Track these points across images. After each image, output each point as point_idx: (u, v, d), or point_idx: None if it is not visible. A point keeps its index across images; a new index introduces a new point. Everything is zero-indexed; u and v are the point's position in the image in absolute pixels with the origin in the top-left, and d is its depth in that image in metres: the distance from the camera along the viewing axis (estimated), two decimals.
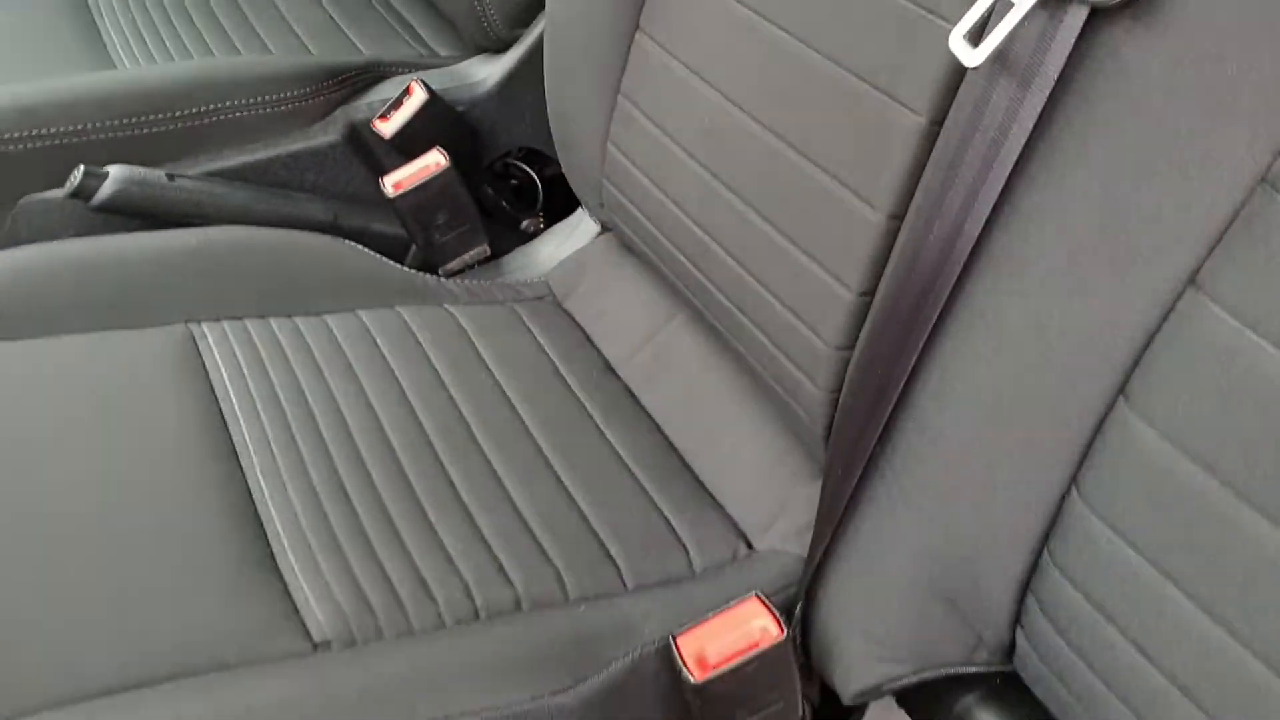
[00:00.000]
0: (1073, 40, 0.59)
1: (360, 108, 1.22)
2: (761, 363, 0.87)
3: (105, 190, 1.07)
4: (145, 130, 1.15)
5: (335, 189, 1.21)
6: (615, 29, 0.96)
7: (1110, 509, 0.61)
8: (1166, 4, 0.57)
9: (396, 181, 1.13)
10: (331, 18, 1.39)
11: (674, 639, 0.74)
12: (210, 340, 0.96)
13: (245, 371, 0.93)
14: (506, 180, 1.31)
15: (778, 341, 0.83)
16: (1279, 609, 0.54)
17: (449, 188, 1.13)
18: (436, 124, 1.20)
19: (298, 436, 0.88)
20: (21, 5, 1.44)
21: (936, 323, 0.67)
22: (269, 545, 0.80)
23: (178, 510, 0.81)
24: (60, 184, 1.10)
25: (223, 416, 0.90)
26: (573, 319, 1.06)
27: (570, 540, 0.84)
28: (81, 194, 1.07)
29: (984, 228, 0.64)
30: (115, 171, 1.08)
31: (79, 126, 1.13)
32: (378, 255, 1.10)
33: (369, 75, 1.24)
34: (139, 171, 1.09)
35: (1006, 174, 0.62)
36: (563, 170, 1.11)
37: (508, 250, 1.20)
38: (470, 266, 1.17)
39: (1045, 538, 0.65)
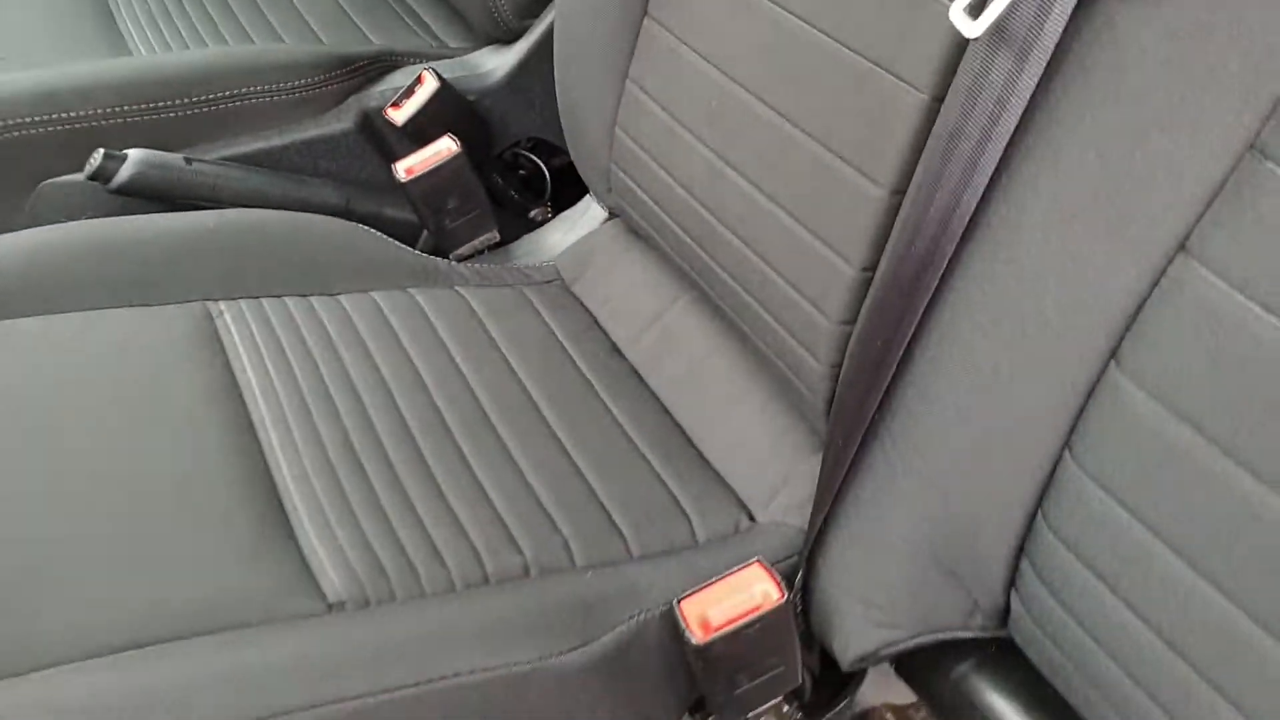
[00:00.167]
0: (1069, 12, 0.60)
1: (373, 96, 1.25)
2: (765, 340, 0.89)
3: (124, 173, 1.09)
4: (163, 115, 1.17)
5: (348, 175, 1.24)
6: (624, 15, 0.98)
7: (1101, 470, 0.63)
8: None
9: (409, 167, 1.15)
10: (343, 9, 1.41)
11: (677, 603, 0.76)
12: (227, 318, 0.98)
13: (261, 348, 0.95)
14: (515, 170, 1.34)
15: (781, 319, 0.85)
16: (1262, 562, 0.56)
17: (460, 173, 1.15)
18: (447, 112, 1.22)
19: (313, 410, 0.90)
20: (43, 6, 1.46)
21: (935, 293, 0.69)
22: (284, 512, 0.82)
23: (196, 477, 0.83)
24: (80, 168, 1.12)
25: (239, 390, 0.92)
26: (580, 302, 1.08)
27: (578, 511, 0.86)
28: (101, 176, 1.09)
29: (981, 199, 0.66)
30: (134, 155, 1.10)
31: (98, 111, 1.15)
32: (390, 239, 1.12)
33: (381, 64, 1.27)
34: (157, 155, 1.11)
35: (1004, 145, 0.64)
36: (571, 157, 1.13)
37: (516, 237, 1.22)
38: (480, 252, 1.19)
39: (1039, 501, 0.67)
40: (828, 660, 0.85)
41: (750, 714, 0.82)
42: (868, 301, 0.77)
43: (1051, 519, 0.66)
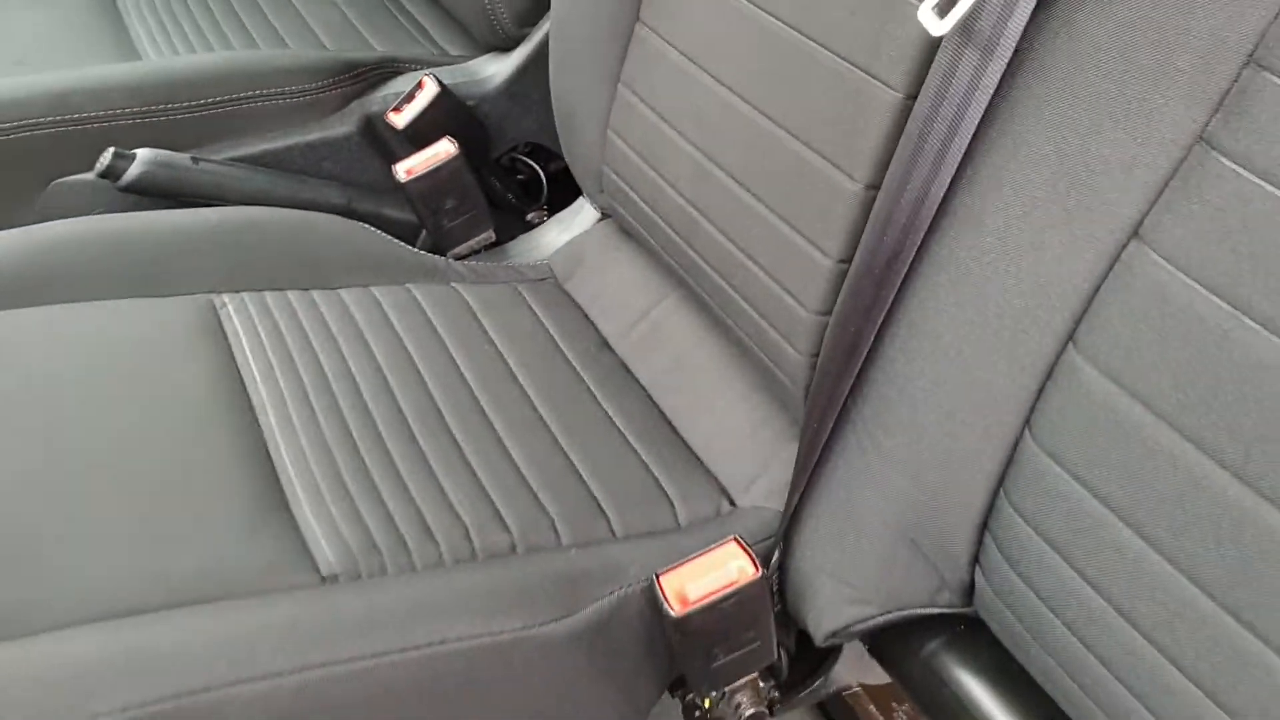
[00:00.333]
0: (1030, 10, 0.64)
1: (375, 100, 1.29)
2: (747, 332, 0.92)
3: (133, 171, 1.13)
4: (172, 117, 1.21)
5: (350, 176, 1.28)
6: (617, 21, 1.02)
7: (1058, 447, 0.66)
8: None
9: (409, 168, 1.19)
10: (348, 17, 1.45)
11: (657, 577, 0.79)
12: (230, 309, 1.02)
13: (263, 337, 0.99)
14: (513, 174, 1.37)
15: (762, 310, 0.89)
16: (1203, 530, 0.59)
17: (458, 175, 1.19)
18: (447, 117, 1.25)
19: (312, 396, 0.94)
20: (54, 6, 1.51)
21: (904, 282, 0.73)
22: (282, 490, 0.86)
23: (197, 456, 0.87)
24: (90, 168, 1.16)
25: (241, 377, 0.95)
26: (572, 299, 1.12)
27: (564, 493, 0.89)
28: (111, 174, 1.13)
29: (948, 190, 0.69)
30: (143, 154, 1.14)
31: (109, 112, 1.19)
32: (390, 238, 1.15)
33: (384, 70, 1.31)
34: (165, 154, 1.15)
35: (969, 138, 0.68)
36: (565, 158, 1.17)
37: (513, 237, 1.26)
38: (476, 251, 1.23)
39: (1001, 478, 0.70)
40: (804, 640, 0.88)
41: (728, 688, 0.85)
42: (843, 292, 0.80)
43: (1012, 495, 0.70)
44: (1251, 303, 0.57)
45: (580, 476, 0.91)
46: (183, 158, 1.16)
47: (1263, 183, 0.57)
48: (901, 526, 0.77)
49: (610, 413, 0.98)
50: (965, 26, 0.67)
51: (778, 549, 0.84)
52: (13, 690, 0.66)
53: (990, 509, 0.72)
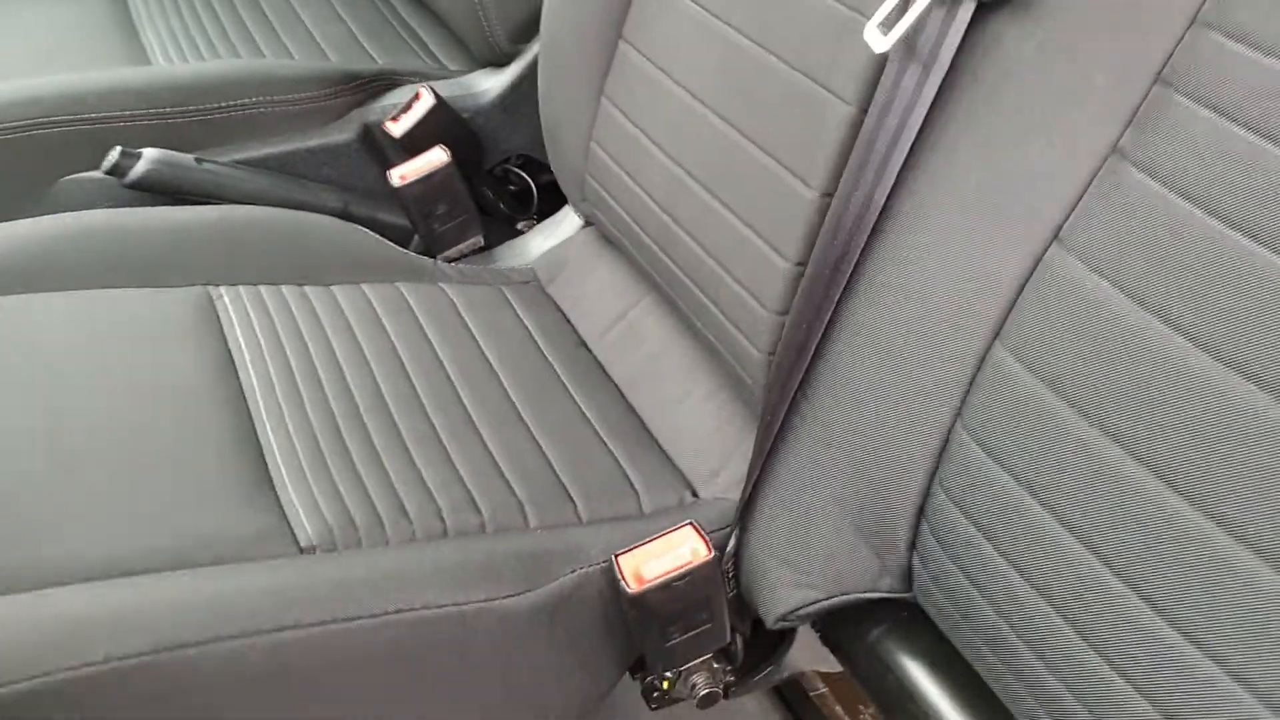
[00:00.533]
0: (963, 30, 0.69)
1: (374, 110, 1.34)
2: (714, 333, 0.97)
3: (138, 169, 1.19)
4: (178, 120, 1.26)
5: (348, 182, 1.33)
6: (601, 38, 1.07)
7: (985, 435, 0.71)
8: (1038, 1, 0.68)
9: (403, 174, 1.24)
10: (351, 31, 1.51)
11: (615, 557, 0.84)
12: (226, 300, 1.07)
13: (256, 328, 1.04)
14: (505, 184, 1.43)
15: (727, 311, 0.94)
16: (1111, 512, 0.64)
17: (449, 181, 1.24)
18: (442, 128, 1.31)
19: (300, 383, 0.99)
20: (70, 13, 1.57)
21: (850, 281, 0.78)
22: (268, 469, 0.91)
23: (188, 435, 0.92)
24: (98, 166, 1.21)
25: (233, 364, 1.00)
26: (554, 301, 1.17)
27: (535, 479, 0.94)
28: (117, 172, 1.18)
29: (891, 196, 0.75)
30: (149, 153, 1.19)
31: (117, 114, 1.24)
32: (383, 239, 1.20)
33: (383, 82, 1.36)
34: (170, 154, 1.21)
35: (909, 147, 0.73)
36: (551, 167, 1.22)
37: (501, 242, 1.31)
38: (465, 255, 1.28)
39: (936, 466, 0.75)
40: (758, 626, 0.92)
41: (683, 668, 0.89)
42: (798, 293, 0.85)
43: (945, 482, 0.74)
44: (1154, 300, 0.62)
45: (551, 465, 0.96)
46: (187, 158, 1.22)
47: (1166, 191, 0.62)
48: (846, 514, 0.82)
49: (583, 407, 1.03)
50: (908, 45, 0.72)
51: (733, 536, 0.89)
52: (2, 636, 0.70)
53: (926, 496, 0.76)
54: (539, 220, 1.38)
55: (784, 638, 0.94)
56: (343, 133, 1.33)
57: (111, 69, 1.35)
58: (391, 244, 1.20)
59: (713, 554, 0.83)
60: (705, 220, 0.95)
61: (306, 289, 1.11)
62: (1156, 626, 0.62)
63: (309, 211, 1.23)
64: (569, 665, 0.86)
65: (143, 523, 0.84)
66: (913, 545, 0.79)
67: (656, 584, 0.82)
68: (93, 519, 0.83)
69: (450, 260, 1.26)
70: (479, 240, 1.28)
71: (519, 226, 1.39)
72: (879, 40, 0.72)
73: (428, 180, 1.23)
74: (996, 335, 0.70)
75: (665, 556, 0.84)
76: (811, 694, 1.35)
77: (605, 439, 1.00)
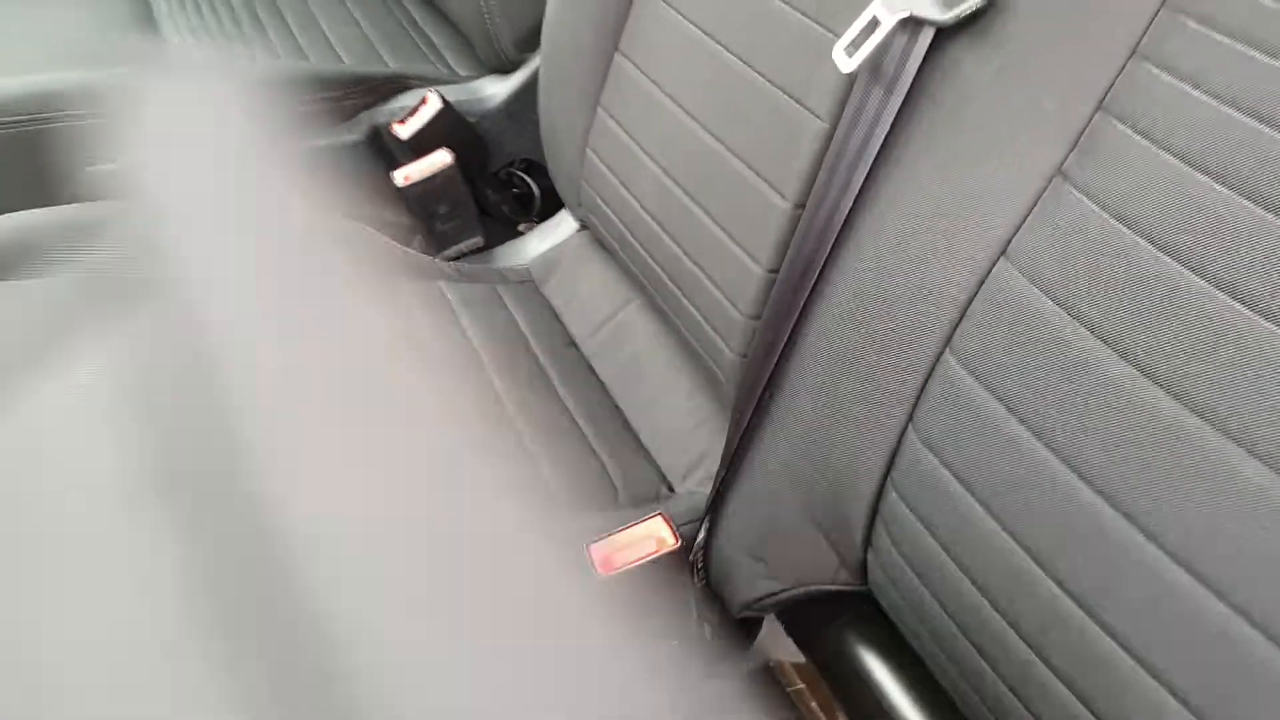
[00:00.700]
0: (923, 54, 0.74)
1: (383, 112, 1.39)
2: (693, 334, 1.01)
3: None
4: None
5: (354, 180, 1.37)
6: (598, 51, 1.12)
7: (932, 437, 0.75)
8: (995, 28, 0.72)
9: (407, 175, 1.29)
10: (365, 35, 1.55)
11: (587, 546, 0.88)
12: None
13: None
14: (509, 187, 1.47)
15: (705, 313, 0.98)
16: (1040, 510, 0.67)
17: (451, 183, 1.29)
18: (448, 131, 1.35)
19: None
20: (92, 9, 1.62)
21: (815, 288, 0.82)
22: None
23: None
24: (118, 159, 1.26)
25: None
26: (547, 301, 1.22)
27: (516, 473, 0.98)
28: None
29: (853, 208, 0.79)
30: None
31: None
32: (385, 237, 1.25)
33: (393, 85, 1.41)
34: None
35: (870, 163, 0.77)
36: (549, 172, 1.27)
37: (501, 243, 1.35)
38: (465, 254, 1.32)
39: (889, 466, 0.79)
40: (726, 615, 0.96)
41: None
42: (770, 298, 0.89)
43: (897, 482, 0.78)
44: (1088, 316, 0.65)
45: (532, 457, 1.00)
46: None
47: (1103, 212, 0.66)
48: (807, 510, 0.86)
49: (568, 403, 1.07)
50: (874, 66, 0.76)
51: (703, 529, 0.93)
52: None
53: (880, 495, 0.80)
54: (539, 223, 1.43)
55: (751, 626, 0.98)
56: (351, 133, 1.37)
57: (127, 64, 1.40)
58: (393, 242, 1.25)
59: (679, 543, 0.88)
60: (689, 227, 0.99)
61: None
62: (1085, 625, 0.66)
63: None
64: None
65: None
66: (868, 541, 0.83)
67: (624, 572, 0.86)
68: None
69: (450, 259, 1.30)
70: (479, 240, 1.32)
71: (520, 228, 1.44)
72: (845, 61, 0.76)
73: (430, 181, 1.28)
74: (946, 344, 0.74)
75: (634, 546, 0.88)
76: (789, 690, 1.38)
77: (587, 434, 1.04)
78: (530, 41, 1.39)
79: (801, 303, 0.82)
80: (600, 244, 1.23)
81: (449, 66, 1.52)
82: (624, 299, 1.17)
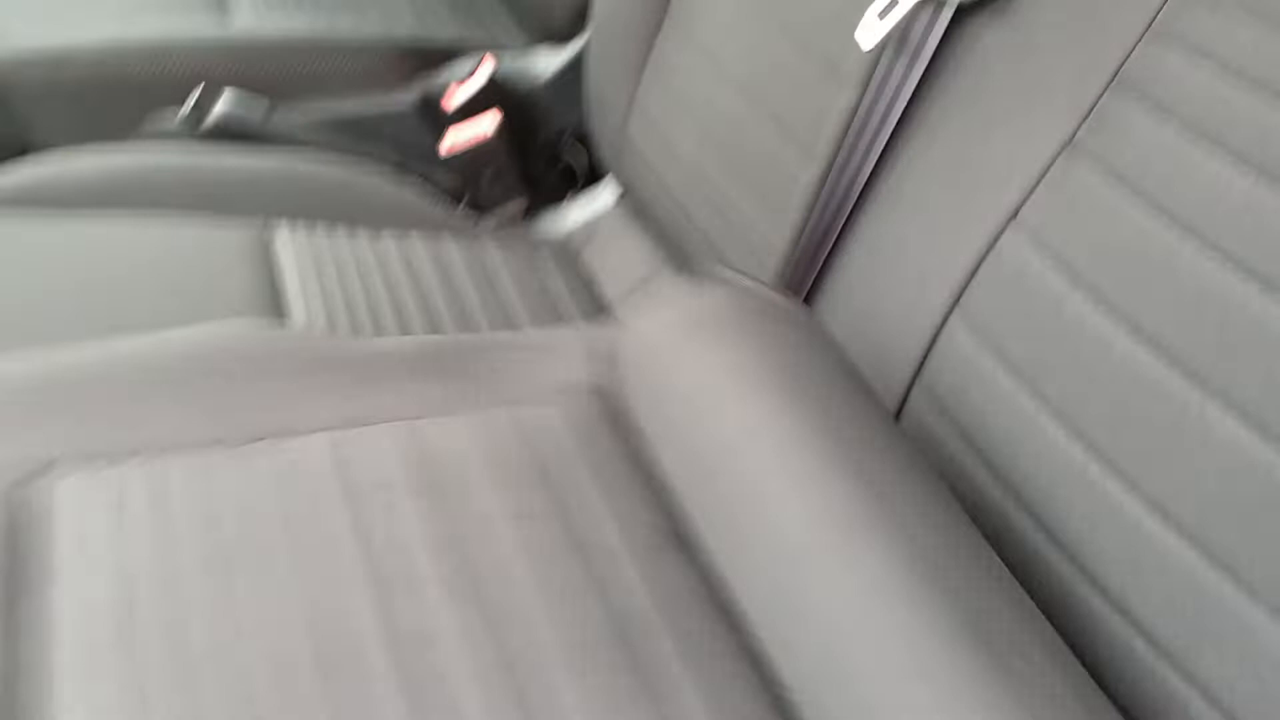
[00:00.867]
0: (944, 28, 0.77)
1: (436, 77, 1.43)
2: None
3: (218, 109, 1.28)
4: (255, 73, 1.36)
5: (406, 141, 1.42)
6: (647, 20, 1.16)
7: (936, 395, 0.78)
8: (1013, 5, 0.75)
9: (454, 139, 1.33)
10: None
11: None
12: (285, 232, 1.16)
13: (306, 258, 1.13)
14: (556, 158, 1.51)
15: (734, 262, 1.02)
16: (1038, 468, 0.70)
17: (498, 150, 1.33)
18: (499, 99, 1.39)
19: (340, 318, 1.07)
20: None
21: (834, 249, 0.85)
22: None
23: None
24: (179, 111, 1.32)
25: (278, 290, 1.09)
26: (585, 264, 1.25)
27: None
28: (198, 108, 1.28)
29: (872, 173, 0.82)
30: (228, 93, 1.29)
31: (199, 64, 1.35)
32: (432, 197, 1.29)
33: (448, 51, 1.45)
34: (246, 96, 1.30)
35: (891, 129, 0.80)
36: (594, 138, 1.31)
37: (543, 210, 1.40)
38: (509, 219, 1.37)
39: (897, 419, 0.82)
40: None
41: None
42: (793, 259, 0.93)
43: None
44: (1091, 282, 0.68)
45: None
46: (261, 103, 1.32)
47: (1109, 183, 0.69)
48: None
49: None
50: (899, 40, 0.80)
51: None
52: None
53: None
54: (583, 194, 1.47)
55: None
56: (406, 95, 1.42)
57: (195, 19, 1.45)
58: (440, 202, 1.29)
59: None
60: (718, 195, 1.03)
61: (359, 230, 1.20)
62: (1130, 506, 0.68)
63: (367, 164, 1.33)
64: None
65: None
66: None
67: None
68: None
69: (493, 222, 1.35)
70: (522, 205, 1.36)
71: (565, 199, 1.47)
72: (865, 38, 0.80)
73: (478, 147, 1.32)
74: (955, 305, 0.77)
75: None
76: None
77: None
78: (584, 12, 1.43)
79: (822, 260, 0.86)
80: (637, 213, 1.27)
81: (504, 35, 1.56)
82: (656, 265, 1.21)
